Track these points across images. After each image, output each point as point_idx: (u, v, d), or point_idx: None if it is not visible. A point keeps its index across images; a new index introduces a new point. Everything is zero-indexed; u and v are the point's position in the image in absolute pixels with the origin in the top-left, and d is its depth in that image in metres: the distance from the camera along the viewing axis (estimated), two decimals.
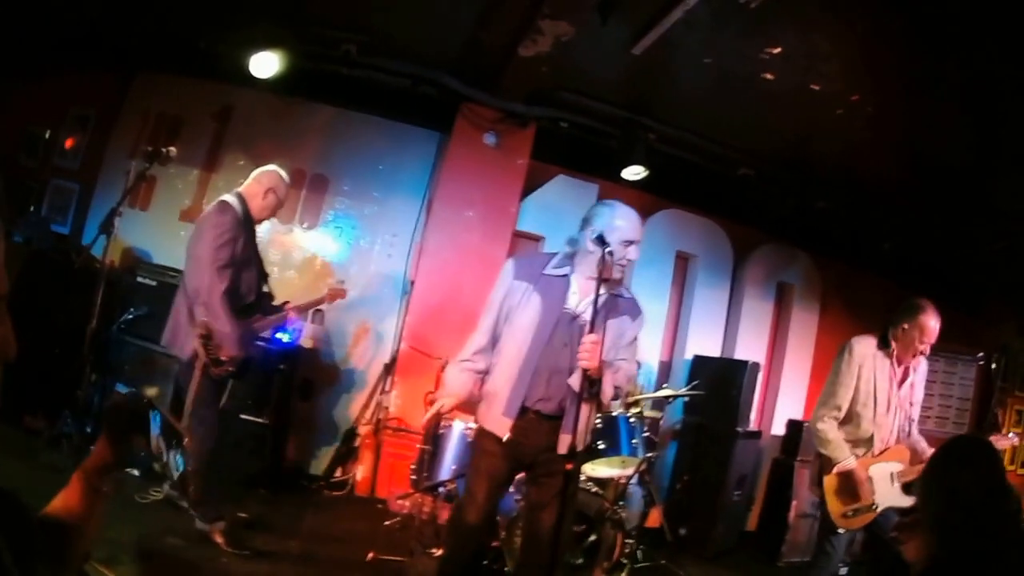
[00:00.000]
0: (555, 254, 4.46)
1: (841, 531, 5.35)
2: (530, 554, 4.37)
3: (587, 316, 4.17)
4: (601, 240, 4.11)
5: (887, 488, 5.28)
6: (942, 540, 2.69)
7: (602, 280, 4.07)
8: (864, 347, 5.44)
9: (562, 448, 4.15)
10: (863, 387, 5.38)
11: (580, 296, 4.31)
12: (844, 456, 5.27)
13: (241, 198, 5.49)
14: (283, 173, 5.73)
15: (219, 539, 5.29)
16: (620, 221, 4.28)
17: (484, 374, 4.45)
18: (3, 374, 1.30)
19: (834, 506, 5.33)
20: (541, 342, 4.24)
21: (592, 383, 4.05)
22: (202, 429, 5.26)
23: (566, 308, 4.28)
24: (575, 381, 4.07)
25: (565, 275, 4.34)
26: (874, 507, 5.25)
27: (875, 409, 5.37)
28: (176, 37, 7.47)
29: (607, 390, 4.19)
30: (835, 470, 5.29)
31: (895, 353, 5.40)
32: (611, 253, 4.09)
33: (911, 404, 5.58)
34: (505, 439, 4.23)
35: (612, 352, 4.30)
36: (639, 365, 4.67)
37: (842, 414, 5.39)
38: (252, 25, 6.80)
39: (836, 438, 5.33)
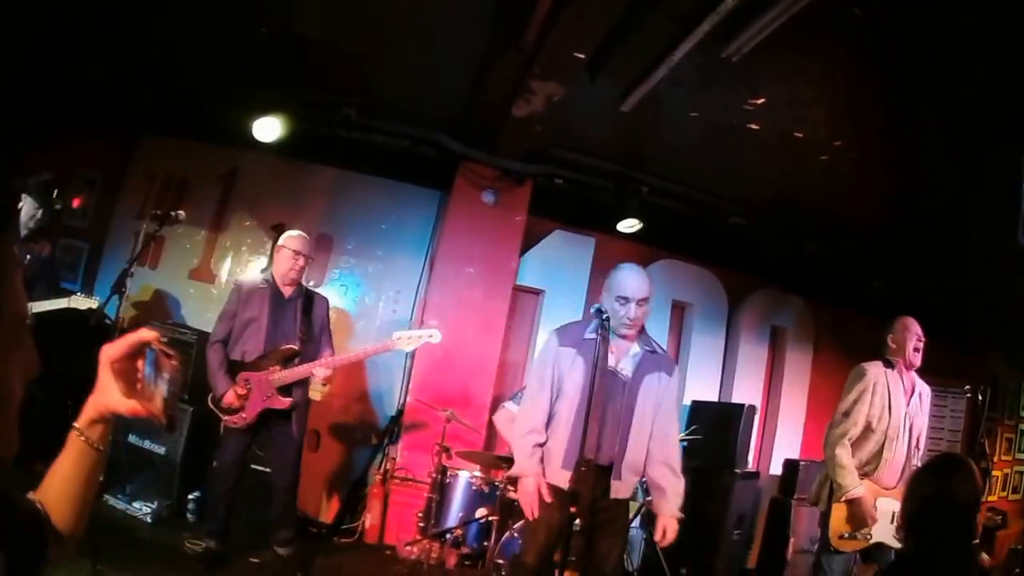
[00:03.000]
0: (592, 321, 4.67)
1: (832, 549, 5.48)
2: None
3: (627, 372, 4.57)
4: (599, 311, 4.44)
5: (885, 524, 5.41)
6: (909, 539, 3.05)
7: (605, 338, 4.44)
8: (875, 368, 5.70)
9: (616, 493, 4.53)
10: (877, 402, 5.57)
11: (617, 355, 4.61)
12: (854, 484, 5.39)
13: (268, 269, 6.44)
14: (292, 238, 6.28)
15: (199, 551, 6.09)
16: (614, 281, 4.65)
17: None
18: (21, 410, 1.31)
19: (835, 526, 5.47)
20: (587, 399, 4.44)
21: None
22: (214, 471, 6.22)
23: (607, 367, 4.54)
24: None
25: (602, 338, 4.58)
26: (868, 536, 5.39)
27: (889, 422, 5.53)
28: (180, 101, 7.66)
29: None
30: (844, 498, 5.40)
31: (899, 367, 5.68)
32: (607, 318, 4.40)
33: (920, 423, 5.77)
34: (567, 488, 4.44)
35: (657, 421, 4.66)
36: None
37: (857, 433, 5.55)
38: (254, 90, 7.06)
39: (849, 464, 5.46)
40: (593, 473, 4.48)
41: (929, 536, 2.97)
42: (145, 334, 1.64)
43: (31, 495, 1.63)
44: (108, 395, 1.63)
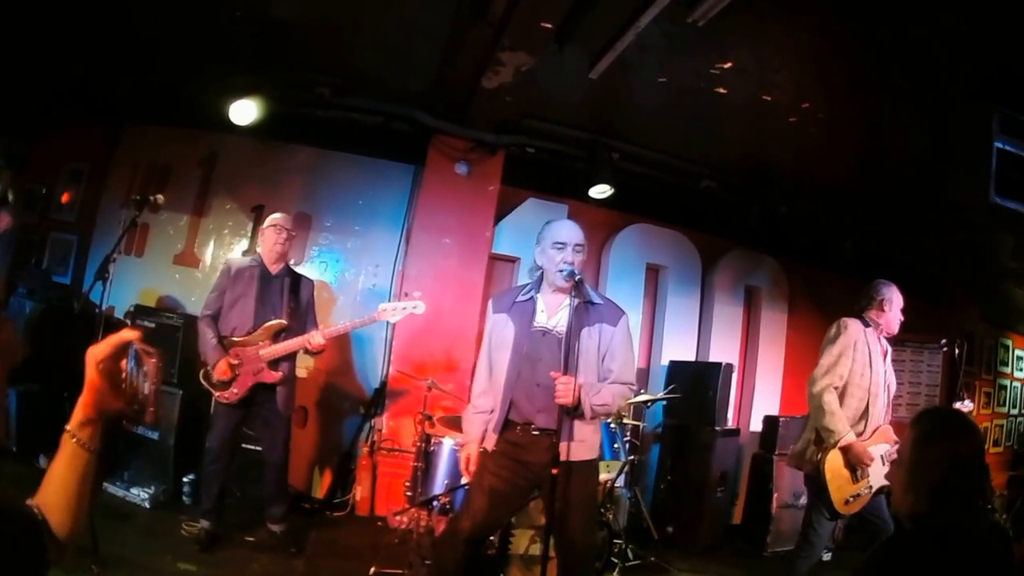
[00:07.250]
0: (528, 284, 4.78)
1: (840, 515, 5.43)
2: (568, 567, 4.54)
3: (560, 328, 4.49)
4: (571, 272, 4.44)
5: (879, 468, 5.41)
6: (936, 506, 2.74)
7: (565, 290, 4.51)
8: (855, 324, 5.66)
9: (569, 455, 4.35)
10: (859, 359, 5.54)
11: (548, 312, 4.60)
12: (845, 429, 5.34)
13: (255, 251, 6.71)
14: (275, 216, 6.50)
15: (195, 532, 6.16)
16: (548, 232, 4.66)
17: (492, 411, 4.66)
18: (6, 395, 1.26)
19: (837, 493, 5.37)
20: (517, 361, 4.52)
21: (571, 410, 4.31)
22: (207, 451, 6.23)
23: (535, 326, 4.56)
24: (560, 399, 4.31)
25: (531, 298, 4.64)
26: (870, 487, 5.40)
27: (871, 379, 5.54)
28: (159, 90, 7.70)
29: (587, 412, 4.38)
30: (840, 444, 5.31)
31: (881, 330, 5.72)
32: (572, 274, 4.42)
33: (893, 382, 5.84)
34: (491, 451, 4.51)
35: (601, 368, 4.58)
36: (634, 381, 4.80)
37: (841, 386, 5.50)
38: (230, 74, 7.10)
39: (839, 410, 5.39)
40: (535, 439, 4.48)
41: (957, 503, 2.72)
42: (127, 334, 1.73)
43: (30, 501, 1.69)
44: (97, 395, 1.70)
